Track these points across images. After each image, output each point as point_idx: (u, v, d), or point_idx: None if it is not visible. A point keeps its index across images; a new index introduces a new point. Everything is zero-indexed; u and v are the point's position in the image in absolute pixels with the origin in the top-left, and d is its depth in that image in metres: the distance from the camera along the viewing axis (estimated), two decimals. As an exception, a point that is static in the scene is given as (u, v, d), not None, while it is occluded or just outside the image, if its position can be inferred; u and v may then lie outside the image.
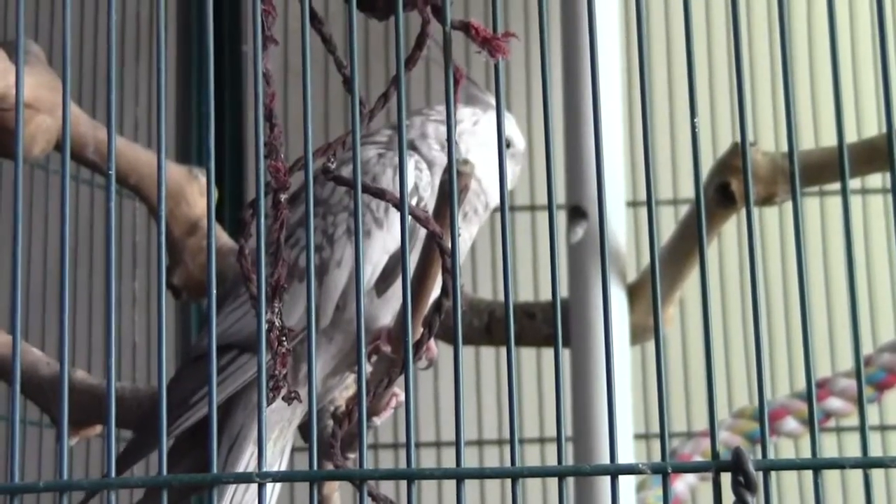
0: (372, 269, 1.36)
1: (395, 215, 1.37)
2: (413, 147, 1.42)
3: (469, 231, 1.43)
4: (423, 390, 2.57)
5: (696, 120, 0.90)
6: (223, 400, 1.37)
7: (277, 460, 1.38)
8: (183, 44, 2.76)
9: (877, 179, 2.55)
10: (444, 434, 2.63)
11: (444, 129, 1.42)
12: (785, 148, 0.96)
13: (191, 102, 2.72)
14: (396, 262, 1.36)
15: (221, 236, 1.82)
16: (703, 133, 2.49)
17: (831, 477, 2.27)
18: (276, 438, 1.38)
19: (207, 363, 0.90)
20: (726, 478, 0.90)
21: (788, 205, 1.92)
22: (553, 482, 0.90)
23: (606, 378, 0.90)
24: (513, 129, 1.46)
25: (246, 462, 1.36)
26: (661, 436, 0.91)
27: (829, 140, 2.27)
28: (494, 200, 1.41)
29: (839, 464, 0.91)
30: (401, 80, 0.92)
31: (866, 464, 0.90)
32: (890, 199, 1.00)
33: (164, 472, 0.87)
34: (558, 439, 0.89)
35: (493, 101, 1.46)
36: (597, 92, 0.93)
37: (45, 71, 1.73)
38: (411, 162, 1.39)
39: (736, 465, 0.89)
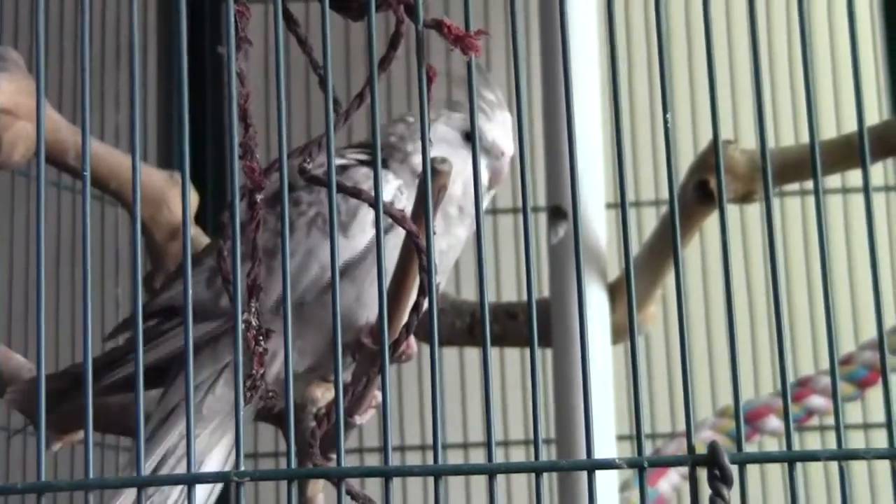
0: (319, 268, 1.35)
1: (360, 224, 1.37)
2: (388, 161, 1.42)
3: (454, 233, 1.42)
4: (407, 392, 2.57)
5: (667, 115, 0.91)
6: (165, 356, 1.36)
7: (213, 451, 1.37)
8: (164, 49, 2.76)
9: (857, 178, 2.56)
10: (429, 436, 2.63)
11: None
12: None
13: (173, 108, 2.72)
14: (365, 262, 1.36)
15: (203, 239, 1.82)
16: (685, 131, 2.51)
17: (815, 475, 2.29)
18: (216, 428, 1.37)
19: (185, 379, 0.90)
20: (704, 473, 0.91)
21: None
22: (543, 480, 0.90)
23: (582, 375, 0.90)
24: (499, 131, 1.45)
25: (172, 442, 1.34)
26: (637, 431, 0.92)
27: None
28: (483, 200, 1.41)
29: (814, 456, 0.92)
30: (374, 80, 0.93)
31: (842, 456, 0.91)
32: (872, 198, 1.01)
33: (142, 472, 0.87)
34: (535, 434, 0.90)
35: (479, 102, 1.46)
36: (570, 92, 0.93)
37: (24, 77, 1.73)
38: (395, 183, 1.39)
39: (711, 458, 0.89)
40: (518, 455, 2.63)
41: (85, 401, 0.87)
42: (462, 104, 1.46)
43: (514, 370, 2.59)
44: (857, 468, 0.92)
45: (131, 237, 0.86)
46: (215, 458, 1.37)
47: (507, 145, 1.44)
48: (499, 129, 1.44)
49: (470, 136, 1.42)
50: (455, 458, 2.61)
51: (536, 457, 0.90)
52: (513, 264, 2.64)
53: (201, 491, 1.32)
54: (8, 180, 2.26)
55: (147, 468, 1.29)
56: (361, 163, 1.42)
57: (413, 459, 2.63)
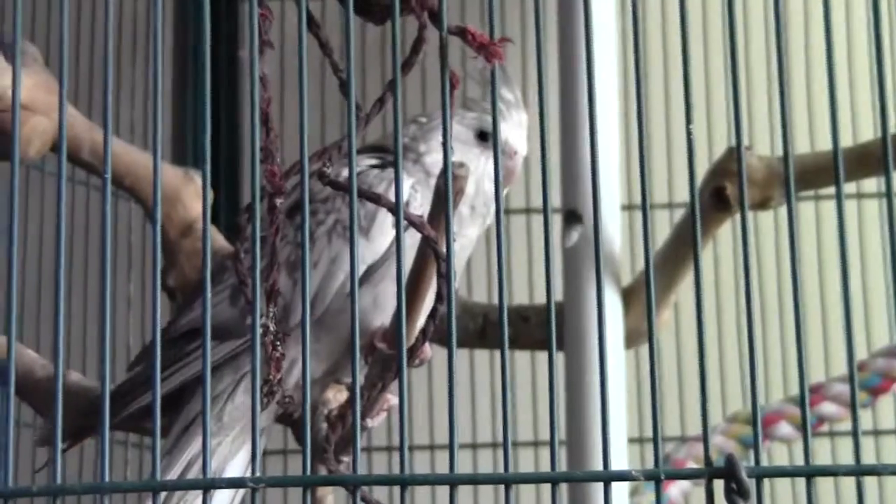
0: (345, 276, 1.36)
1: (379, 227, 1.37)
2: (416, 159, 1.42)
3: (466, 233, 1.42)
4: (416, 394, 2.57)
5: (691, 126, 0.90)
6: (188, 380, 1.37)
7: (235, 458, 1.37)
8: (179, 46, 2.76)
9: (872, 184, 2.55)
10: (438, 437, 2.63)
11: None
12: (781, 152, 0.97)
13: (187, 105, 2.72)
14: (382, 266, 1.37)
15: (217, 239, 1.81)
16: (699, 137, 2.49)
17: (825, 483, 2.28)
18: (237, 436, 1.37)
19: (202, 386, 0.89)
20: (719, 484, 0.90)
21: (784, 209, 1.93)
22: (547, 486, 0.90)
23: (600, 383, 0.90)
24: (514, 131, 1.44)
25: (194, 452, 1.35)
26: (654, 442, 0.91)
27: (825, 144, 2.27)
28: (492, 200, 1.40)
29: (832, 471, 0.91)
30: (396, 85, 0.92)
31: (859, 471, 0.90)
32: (885, 204, 1.00)
33: (158, 476, 0.87)
34: (552, 445, 0.89)
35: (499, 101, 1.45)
36: (592, 96, 0.93)
37: (41, 72, 1.72)
38: (408, 182, 1.39)
39: (729, 472, 0.89)
40: (526, 457, 2.63)
41: (102, 404, 0.87)
42: (477, 102, 1.46)
43: (524, 372, 2.58)
44: (867, 477, 0.92)
45: (152, 244, 0.86)
46: (237, 465, 1.37)
47: (520, 144, 1.44)
48: (513, 128, 1.44)
49: (483, 135, 1.44)
50: (464, 458, 2.60)
51: (553, 467, 0.89)
52: (525, 266, 2.63)
53: (223, 497, 1.33)
54: (22, 175, 2.25)
55: (172, 478, 1.30)
56: (372, 167, 1.42)
57: (421, 460, 2.63)
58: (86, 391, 1.52)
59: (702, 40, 2.52)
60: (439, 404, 2.60)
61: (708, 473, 0.90)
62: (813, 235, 2.59)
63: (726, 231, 2.21)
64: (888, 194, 0.99)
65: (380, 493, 1.11)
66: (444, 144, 0.89)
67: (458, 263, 1.45)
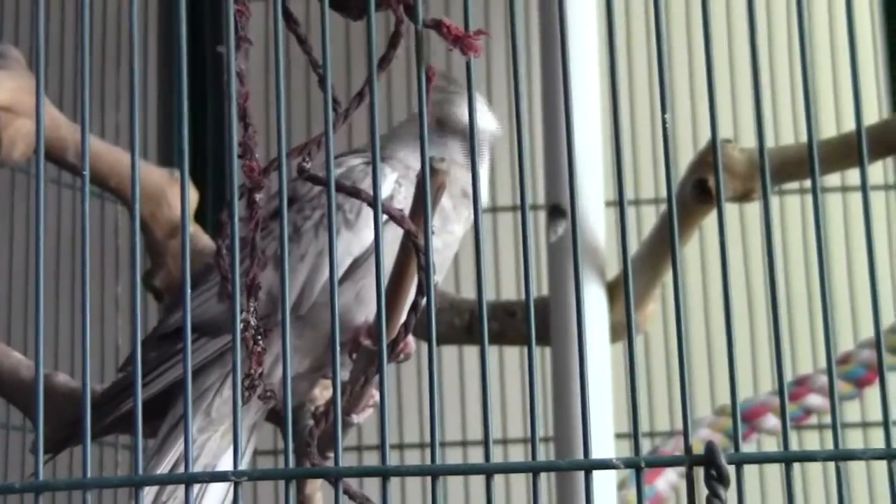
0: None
1: (365, 219, 1.38)
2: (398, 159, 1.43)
3: (450, 230, 1.42)
4: (406, 391, 2.57)
5: (666, 116, 0.91)
6: (176, 379, 1.38)
7: (225, 453, 1.38)
8: (165, 47, 2.76)
9: (857, 176, 2.56)
10: (428, 434, 2.63)
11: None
12: (767, 144, 0.98)
13: (173, 105, 2.72)
14: (366, 262, 1.37)
15: (203, 237, 1.82)
16: (684, 131, 2.51)
17: (813, 473, 2.29)
18: (226, 431, 1.38)
19: (184, 381, 0.90)
20: (701, 473, 0.91)
21: (772, 201, 1.92)
22: (541, 479, 0.90)
23: (580, 374, 0.90)
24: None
25: (180, 451, 1.35)
26: (635, 431, 0.92)
27: (809, 137, 2.27)
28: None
29: (811, 457, 0.92)
30: (373, 80, 0.93)
31: (839, 456, 0.91)
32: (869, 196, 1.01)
33: (140, 471, 0.88)
34: (532, 434, 0.90)
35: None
36: (568, 90, 0.93)
37: (25, 75, 1.73)
38: (392, 176, 1.40)
39: (708, 459, 0.89)
40: (517, 453, 2.63)
41: (84, 400, 0.87)
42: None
43: (513, 368, 2.58)
44: (856, 468, 0.92)
45: (130, 241, 0.87)
46: (229, 461, 1.38)
47: (489, 124, 1.44)
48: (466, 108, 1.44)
49: (440, 123, 1.44)
50: (454, 456, 2.61)
51: (534, 457, 0.90)
52: (512, 262, 2.63)
53: (215, 495, 1.34)
54: (8, 178, 2.26)
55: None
56: (356, 164, 1.42)
57: (412, 457, 2.63)
58: (72, 392, 1.53)
59: (685, 33, 2.52)
60: (428, 403, 2.60)
61: (688, 461, 0.90)
62: (798, 227, 2.60)
63: (713, 223, 2.21)
64: (862, 185, 1.00)
65: (372, 490, 1.11)
66: (421, 138, 0.90)
67: (443, 261, 1.45)
